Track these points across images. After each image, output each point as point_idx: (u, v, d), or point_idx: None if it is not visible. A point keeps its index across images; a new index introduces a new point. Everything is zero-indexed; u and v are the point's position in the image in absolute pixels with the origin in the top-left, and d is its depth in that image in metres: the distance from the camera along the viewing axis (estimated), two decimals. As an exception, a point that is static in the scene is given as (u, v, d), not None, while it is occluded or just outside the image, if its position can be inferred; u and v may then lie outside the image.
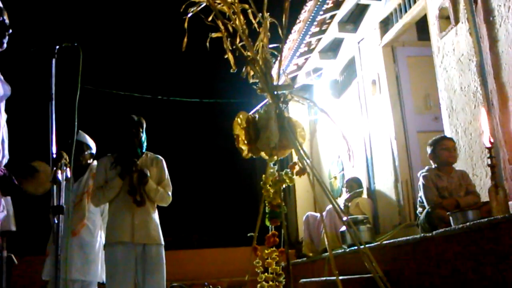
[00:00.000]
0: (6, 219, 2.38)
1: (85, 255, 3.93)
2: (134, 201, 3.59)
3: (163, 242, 3.70)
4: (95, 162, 4.16)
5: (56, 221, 2.51)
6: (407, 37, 5.82)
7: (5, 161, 2.34)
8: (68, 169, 2.68)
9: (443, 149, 4.14)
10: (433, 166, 4.20)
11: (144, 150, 3.81)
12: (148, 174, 3.65)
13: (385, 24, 5.74)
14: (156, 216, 3.74)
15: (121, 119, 3.82)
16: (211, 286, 3.36)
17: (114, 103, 8.27)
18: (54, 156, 2.58)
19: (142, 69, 8.67)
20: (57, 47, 2.73)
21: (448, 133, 4.55)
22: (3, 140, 2.34)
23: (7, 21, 2.34)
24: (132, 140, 3.72)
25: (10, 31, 2.36)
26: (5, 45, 2.36)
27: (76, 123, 2.78)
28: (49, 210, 2.54)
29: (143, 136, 3.80)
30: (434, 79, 4.84)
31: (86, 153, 4.17)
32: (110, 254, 3.61)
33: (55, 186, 2.55)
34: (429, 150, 4.23)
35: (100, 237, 4.12)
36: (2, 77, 2.39)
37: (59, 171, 2.55)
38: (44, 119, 2.62)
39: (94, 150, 4.22)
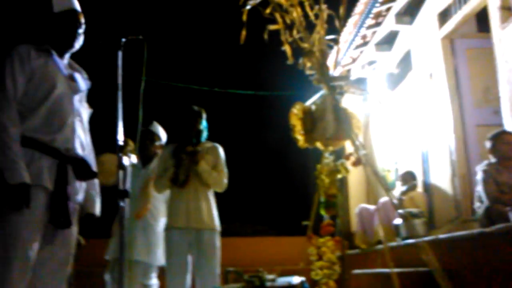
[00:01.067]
0: (90, 202, 2.57)
1: (148, 238, 4.10)
2: (178, 182, 3.71)
3: (218, 228, 3.80)
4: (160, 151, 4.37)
5: (122, 205, 2.67)
6: (467, 29, 5.65)
7: (88, 149, 2.52)
8: (133, 155, 2.82)
9: (504, 144, 4.03)
10: (492, 161, 4.10)
11: (202, 140, 3.95)
12: (200, 152, 3.77)
13: (444, 16, 5.60)
14: (211, 202, 3.84)
15: (181, 109, 3.98)
16: (265, 272, 3.43)
17: (174, 95, 8.52)
18: (121, 143, 2.72)
19: (200, 62, 8.86)
20: (123, 40, 2.87)
21: (508, 127, 4.41)
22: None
23: (78, 21, 2.53)
24: (190, 130, 3.88)
25: (82, 30, 2.56)
26: (77, 46, 2.55)
27: (141, 114, 2.91)
28: (116, 194, 2.69)
29: (202, 126, 3.93)
30: (494, 72, 4.69)
31: (156, 143, 4.36)
32: (167, 239, 3.80)
33: (121, 171, 2.70)
34: (488, 144, 4.13)
35: (163, 222, 4.30)
36: (85, 74, 2.61)
37: (125, 158, 2.70)
38: (111, 109, 2.77)
39: (164, 141, 4.39)
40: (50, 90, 2.33)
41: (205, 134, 3.97)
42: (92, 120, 3.76)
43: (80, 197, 2.46)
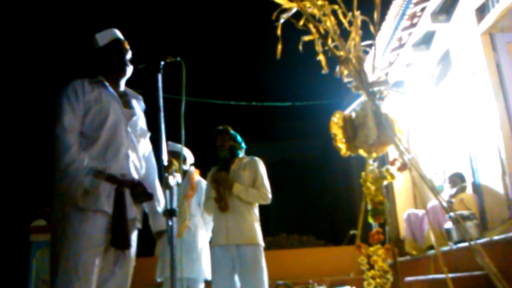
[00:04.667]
0: (157, 221, 2.70)
1: (189, 254, 4.16)
2: (219, 207, 3.82)
3: (260, 242, 3.80)
4: (192, 168, 4.44)
5: (170, 223, 2.71)
6: (506, 22, 5.48)
7: (142, 172, 2.65)
8: (178, 175, 2.87)
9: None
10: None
11: (239, 153, 3.98)
12: (229, 179, 3.82)
13: (481, 11, 5.46)
14: (252, 217, 3.85)
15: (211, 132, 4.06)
16: (315, 284, 3.41)
17: (213, 112, 8.63)
18: (166, 163, 2.78)
19: (236, 78, 8.97)
20: (162, 62, 2.93)
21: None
22: (143, 156, 2.69)
23: (124, 49, 2.69)
24: (220, 149, 3.94)
25: (129, 56, 2.72)
26: (128, 72, 2.70)
27: (183, 133, 2.96)
28: (163, 213, 2.74)
29: (233, 141, 3.97)
30: (539, 64, 4.53)
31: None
32: (212, 256, 3.88)
33: (167, 191, 2.74)
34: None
35: (202, 237, 4.36)
36: (142, 99, 2.78)
37: (171, 177, 2.75)
38: (154, 130, 2.84)
39: (187, 156, 4.45)
40: (104, 119, 2.47)
41: (240, 146, 4.00)
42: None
43: (137, 218, 2.54)
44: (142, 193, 2.52)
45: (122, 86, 2.71)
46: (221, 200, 3.82)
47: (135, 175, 2.56)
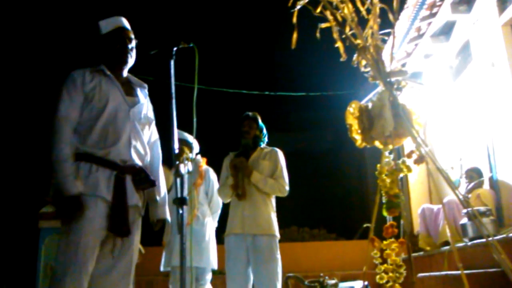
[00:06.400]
0: (158, 209, 2.67)
1: (198, 243, 4.13)
2: (236, 194, 3.75)
3: (276, 233, 3.75)
4: (199, 157, 4.40)
5: (181, 212, 2.67)
6: (529, 14, 5.33)
7: (147, 159, 2.63)
8: (190, 163, 2.83)
9: None
10: None
11: (262, 143, 3.93)
12: (249, 167, 3.75)
13: (503, 2, 5.31)
14: (268, 207, 3.80)
15: (237, 117, 3.99)
16: (326, 277, 3.35)
17: (225, 100, 8.57)
18: (176, 151, 2.73)
19: (249, 66, 8.89)
20: (175, 48, 2.87)
21: None
22: (148, 142, 2.68)
23: (127, 37, 2.66)
24: (244, 136, 3.87)
25: (132, 45, 2.69)
26: (130, 61, 2.68)
27: (195, 121, 2.90)
28: (174, 201, 2.70)
29: (258, 131, 3.91)
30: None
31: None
32: (226, 244, 3.82)
33: (178, 179, 2.70)
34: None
35: (209, 226, 4.32)
36: (146, 87, 2.76)
37: (182, 165, 2.70)
38: (165, 118, 2.79)
39: (193, 145, 4.39)
40: (103, 106, 2.47)
41: (264, 138, 3.95)
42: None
43: (139, 205, 2.51)
44: (144, 179, 2.50)
45: (125, 74, 2.69)
46: (239, 187, 3.76)
47: (138, 162, 2.53)
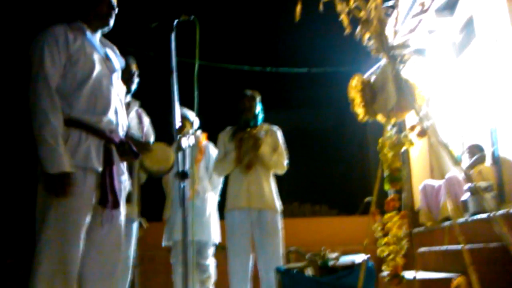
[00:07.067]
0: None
1: (199, 217, 4.15)
2: (241, 167, 3.76)
3: (279, 209, 3.81)
4: (199, 132, 4.39)
5: (182, 186, 2.67)
6: (535, -12, 5.24)
7: (124, 128, 2.52)
8: (192, 137, 2.82)
9: None
10: None
11: (259, 122, 3.94)
12: (261, 137, 3.77)
13: (509, -24, 5.22)
14: (272, 183, 3.85)
15: (236, 94, 4.00)
16: (328, 251, 3.38)
17: (226, 76, 8.51)
18: (178, 125, 2.72)
19: (251, 41, 8.78)
20: (176, 21, 2.83)
21: None
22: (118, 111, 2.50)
23: (114, 2, 2.51)
24: (246, 113, 3.88)
25: (116, 10, 2.53)
26: (111, 25, 2.52)
27: (196, 96, 2.88)
28: (175, 175, 2.70)
29: (258, 109, 3.94)
30: None
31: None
32: (229, 219, 3.85)
33: (180, 153, 2.69)
34: None
35: (210, 201, 4.34)
36: (117, 52, 2.58)
37: (184, 139, 2.70)
38: (166, 92, 2.76)
39: (192, 120, 4.37)
40: (89, 71, 2.31)
41: (261, 116, 3.97)
42: (148, 104, 3.79)
43: (125, 178, 2.47)
44: (128, 151, 2.43)
45: (99, 36, 2.53)
46: (246, 158, 3.77)
47: (121, 132, 2.46)
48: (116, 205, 2.31)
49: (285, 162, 3.89)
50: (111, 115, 2.37)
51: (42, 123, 2.12)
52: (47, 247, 2.10)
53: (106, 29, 2.53)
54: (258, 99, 3.99)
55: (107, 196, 2.26)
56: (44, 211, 2.16)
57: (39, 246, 2.10)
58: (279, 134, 3.98)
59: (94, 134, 2.27)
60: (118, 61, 2.57)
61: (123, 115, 2.52)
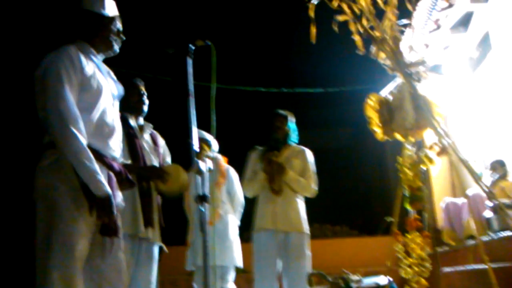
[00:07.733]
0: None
1: (221, 242, 4.12)
2: (272, 189, 3.74)
3: (306, 231, 3.76)
4: (219, 155, 4.38)
5: (202, 209, 2.66)
6: (550, 2, 5.21)
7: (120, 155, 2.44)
8: (209, 160, 2.82)
9: None
10: None
11: (290, 142, 3.93)
12: (284, 165, 3.75)
13: (523, -10, 5.21)
14: (299, 205, 3.81)
15: (267, 113, 3.99)
16: (349, 273, 3.32)
17: (243, 98, 8.55)
18: (196, 149, 2.72)
19: (265, 64, 8.85)
20: (192, 47, 2.86)
21: None
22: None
23: (120, 28, 2.46)
24: (275, 132, 3.87)
25: (124, 38, 2.47)
26: (117, 50, 2.46)
27: (214, 119, 2.88)
28: (194, 199, 2.69)
29: (288, 129, 3.92)
30: None
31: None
32: (255, 240, 3.82)
33: (199, 177, 2.69)
34: None
35: (232, 224, 4.31)
36: (115, 78, 2.55)
37: (202, 162, 2.69)
38: (183, 116, 2.77)
39: (212, 143, 4.36)
40: (98, 96, 2.25)
41: (293, 137, 3.95)
42: (166, 127, 3.80)
43: (122, 205, 2.42)
44: (125, 180, 2.35)
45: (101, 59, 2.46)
46: (274, 182, 3.75)
47: (120, 160, 2.39)
48: (116, 233, 2.21)
49: (314, 186, 3.84)
50: (114, 141, 2.32)
51: (76, 148, 2.07)
52: (56, 274, 2.01)
53: (111, 54, 2.48)
54: (289, 118, 3.98)
55: (109, 224, 2.17)
56: (49, 236, 2.08)
57: (47, 272, 2.03)
58: (309, 157, 3.91)
59: (99, 160, 2.19)
60: (116, 87, 2.48)
61: (120, 142, 2.44)
